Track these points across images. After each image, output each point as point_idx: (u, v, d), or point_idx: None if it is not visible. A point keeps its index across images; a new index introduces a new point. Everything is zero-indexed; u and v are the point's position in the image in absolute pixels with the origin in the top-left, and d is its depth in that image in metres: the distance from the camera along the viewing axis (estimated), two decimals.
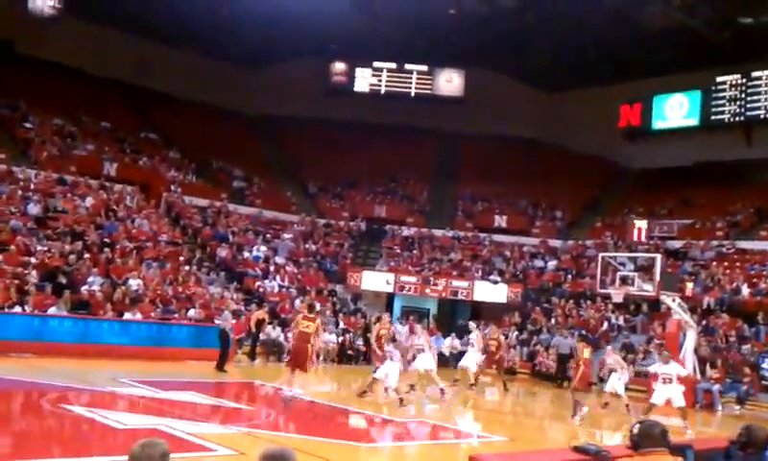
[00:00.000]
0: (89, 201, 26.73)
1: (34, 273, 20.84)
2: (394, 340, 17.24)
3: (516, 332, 27.82)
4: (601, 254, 24.51)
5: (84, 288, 21.25)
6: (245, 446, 10.00)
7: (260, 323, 22.50)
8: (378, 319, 21.18)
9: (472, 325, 22.15)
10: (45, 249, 22.44)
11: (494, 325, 25.23)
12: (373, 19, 34.78)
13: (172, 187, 31.38)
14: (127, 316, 20.75)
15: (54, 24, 30.34)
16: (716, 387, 20.91)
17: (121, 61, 36.20)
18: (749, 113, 34.85)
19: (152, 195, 30.48)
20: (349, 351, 25.10)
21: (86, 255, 22.90)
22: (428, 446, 12.41)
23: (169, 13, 33.79)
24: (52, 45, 32.81)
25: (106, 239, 24.67)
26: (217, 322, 20.92)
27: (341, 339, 25.02)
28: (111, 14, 34.47)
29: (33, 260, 21.51)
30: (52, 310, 19.39)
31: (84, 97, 33.87)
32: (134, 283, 22.47)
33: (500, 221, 36.63)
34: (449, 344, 26.10)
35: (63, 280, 21.01)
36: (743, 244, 30.38)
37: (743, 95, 35.10)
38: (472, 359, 20.47)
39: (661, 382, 15.27)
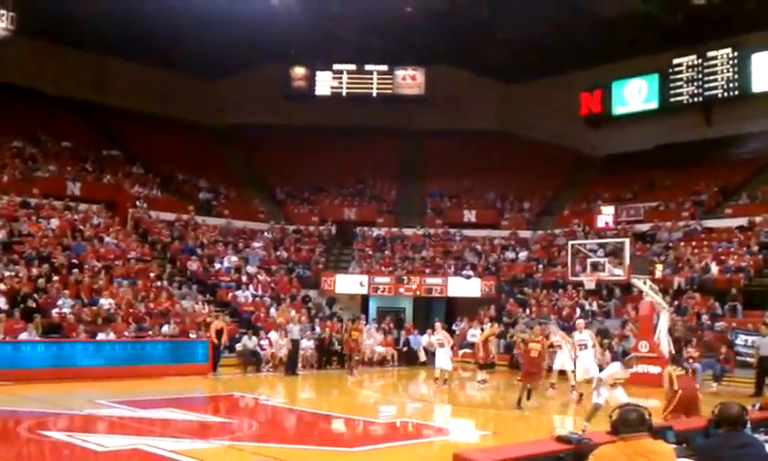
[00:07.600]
0: (54, 222, 26.38)
1: (2, 299, 20.51)
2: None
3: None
4: (571, 242, 24.66)
5: (54, 311, 20.94)
6: (229, 459, 9.93)
7: (219, 333, 22.11)
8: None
9: (438, 325, 22.18)
10: (12, 274, 22.09)
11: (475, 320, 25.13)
12: (330, 21, 34.69)
13: (138, 203, 31.04)
14: (100, 336, 20.47)
15: (8, 45, 29.87)
16: (697, 365, 21.07)
17: (79, 79, 35.88)
18: (707, 93, 35.36)
19: (118, 212, 30.15)
20: (332, 355, 24.95)
21: (55, 278, 22.56)
22: (412, 445, 12.40)
23: (124, 28, 33.50)
24: (7, 67, 32.29)
25: (74, 260, 24.33)
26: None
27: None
28: (66, 33, 34.08)
29: (1, 286, 21.16)
30: (23, 336, 19.08)
31: (43, 118, 33.48)
32: (106, 303, 22.20)
33: (469, 215, 36.77)
34: (427, 341, 26.16)
35: (33, 305, 20.73)
36: (709, 223, 30.76)
37: (700, 76, 35.60)
38: (445, 358, 20.64)
39: None
